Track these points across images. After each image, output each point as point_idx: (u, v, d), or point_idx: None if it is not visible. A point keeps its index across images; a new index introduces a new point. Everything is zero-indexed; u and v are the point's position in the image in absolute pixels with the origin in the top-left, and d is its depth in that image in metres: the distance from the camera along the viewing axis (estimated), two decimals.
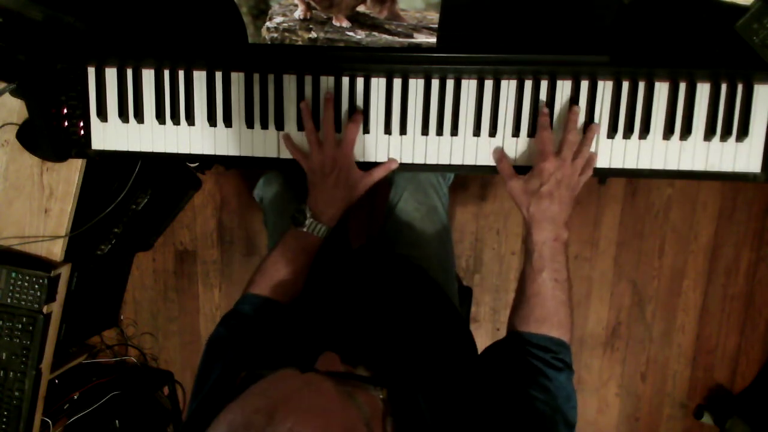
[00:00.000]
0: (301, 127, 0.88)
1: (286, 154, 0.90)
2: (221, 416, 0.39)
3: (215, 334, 0.77)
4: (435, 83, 0.86)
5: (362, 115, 0.86)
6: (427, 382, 0.59)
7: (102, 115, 0.90)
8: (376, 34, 0.80)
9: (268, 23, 0.80)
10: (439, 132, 0.87)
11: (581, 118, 0.84)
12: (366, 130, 0.88)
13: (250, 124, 0.89)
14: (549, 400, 0.67)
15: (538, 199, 0.76)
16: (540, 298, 0.74)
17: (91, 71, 0.89)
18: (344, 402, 0.40)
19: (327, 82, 0.87)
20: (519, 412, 0.63)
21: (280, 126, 0.89)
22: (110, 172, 1.22)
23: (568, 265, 0.76)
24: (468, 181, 1.79)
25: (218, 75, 0.88)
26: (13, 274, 1.06)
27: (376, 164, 0.88)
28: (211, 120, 0.89)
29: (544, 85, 0.84)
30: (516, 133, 0.86)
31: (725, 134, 0.84)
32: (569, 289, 0.75)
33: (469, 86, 0.86)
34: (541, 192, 0.76)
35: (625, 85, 0.84)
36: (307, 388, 0.40)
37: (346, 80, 0.87)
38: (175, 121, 0.90)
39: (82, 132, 0.91)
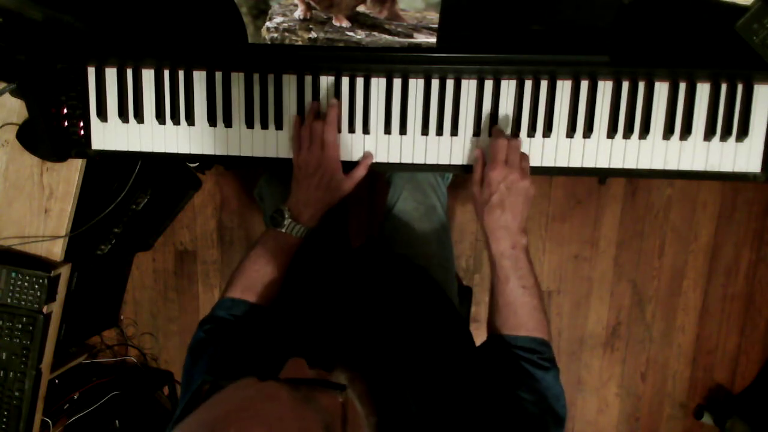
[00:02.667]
0: None
1: (285, 154, 0.90)
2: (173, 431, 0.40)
3: (195, 339, 0.78)
4: (435, 83, 0.86)
5: (336, 114, 0.85)
6: (421, 382, 0.59)
7: (102, 115, 0.90)
8: (376, 34, 0.80)
9: (268, 23, 0.80)
10: (439, 132, 0.87)
11: (581, 119, 0.85)
12: (366, 130, 0.88)
13: (250, 124, 0.89)
14: (538, 401, 0.67)
15: (490, 208, 0.75)
16: (513, 307, 0.74)
17: (91, 71, 0.89)
18: (299, 408, 0.40)
19: (327, 82, 0.87)
20: (509, 414, 0.64)
21: (279, 126, 0.89)
22: (110, 172, 1.22)
23: (533, 269, 0.76)
24: (467, 181, 1.78)
25: (218, 75, 0.88)
26: (13, 274, 1.06)
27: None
28: (211, 120, 0.89)
29: (544, 85, 0.84)
30: (516, 133, 0.86)
31: (725, 134, 0.84)
32: (539, 293, 0.75)
33: (469, 86, 0.86)
34: (491, 202, 0.75)
35: (625, 85, 0.84)
36: (259, 396, 0.40)
37: (346, 80, 0.87)
38: (175, 121, 0.90)
39: (82, 132, 0.91)
